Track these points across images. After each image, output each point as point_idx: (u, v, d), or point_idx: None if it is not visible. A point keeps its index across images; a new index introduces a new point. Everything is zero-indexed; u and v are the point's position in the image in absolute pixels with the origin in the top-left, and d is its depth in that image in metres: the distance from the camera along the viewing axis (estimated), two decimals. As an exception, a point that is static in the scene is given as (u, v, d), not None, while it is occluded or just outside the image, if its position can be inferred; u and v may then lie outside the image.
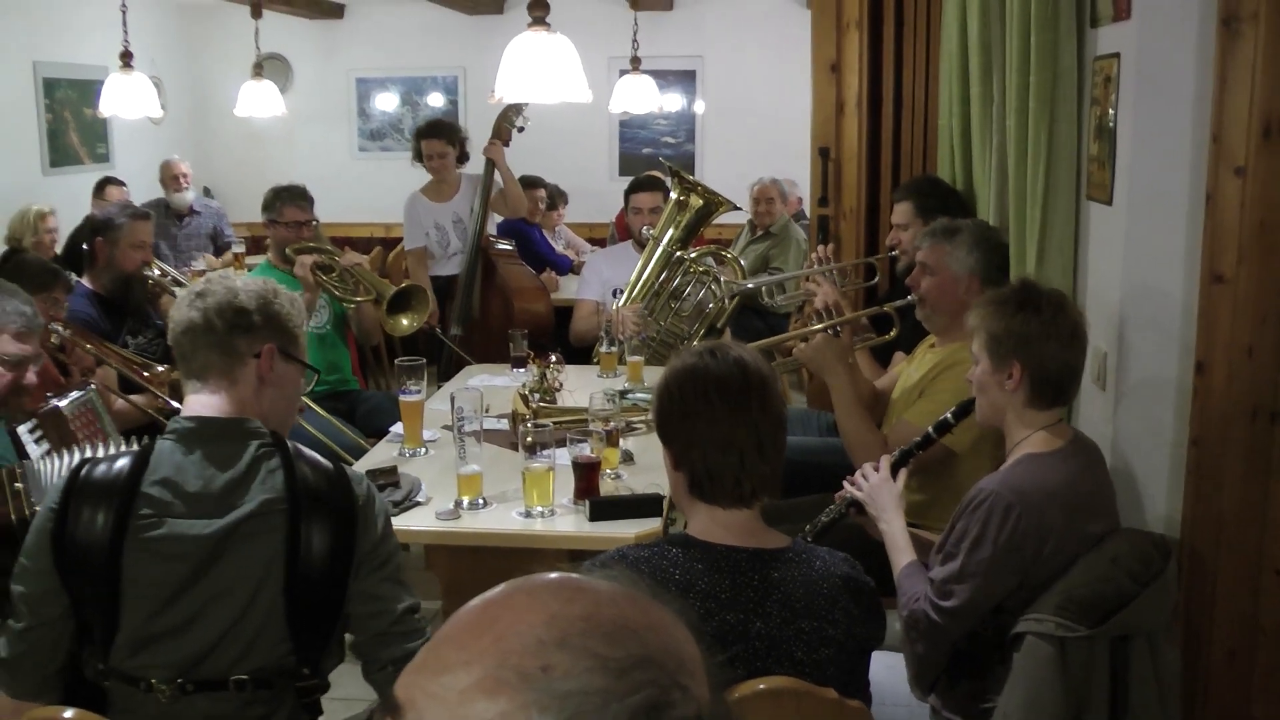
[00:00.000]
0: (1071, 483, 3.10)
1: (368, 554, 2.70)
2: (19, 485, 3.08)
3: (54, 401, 3.93)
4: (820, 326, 4.68)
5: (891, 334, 4.77)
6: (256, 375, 2.73)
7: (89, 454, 3.22)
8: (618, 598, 1.06)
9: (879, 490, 3.49)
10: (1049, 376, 3.15)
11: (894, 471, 3.53)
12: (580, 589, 1.06)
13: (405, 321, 6.01)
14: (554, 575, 1.10)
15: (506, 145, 7.41)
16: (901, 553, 3.38)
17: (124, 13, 7.43)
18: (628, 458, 4.28)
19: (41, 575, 2.60)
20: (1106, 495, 3.22)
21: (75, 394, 4.06)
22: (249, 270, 5.85)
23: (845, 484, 3.60)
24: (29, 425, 3.74)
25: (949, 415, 3.52)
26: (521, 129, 7.44)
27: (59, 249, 8.30)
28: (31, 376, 3.72)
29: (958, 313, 4.13)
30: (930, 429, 3.57)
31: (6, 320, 3.63)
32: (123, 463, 2.65)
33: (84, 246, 5.73)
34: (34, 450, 3.68)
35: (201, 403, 2.72)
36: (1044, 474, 3.08)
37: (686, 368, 2.61)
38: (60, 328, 4.68)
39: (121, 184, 9.50)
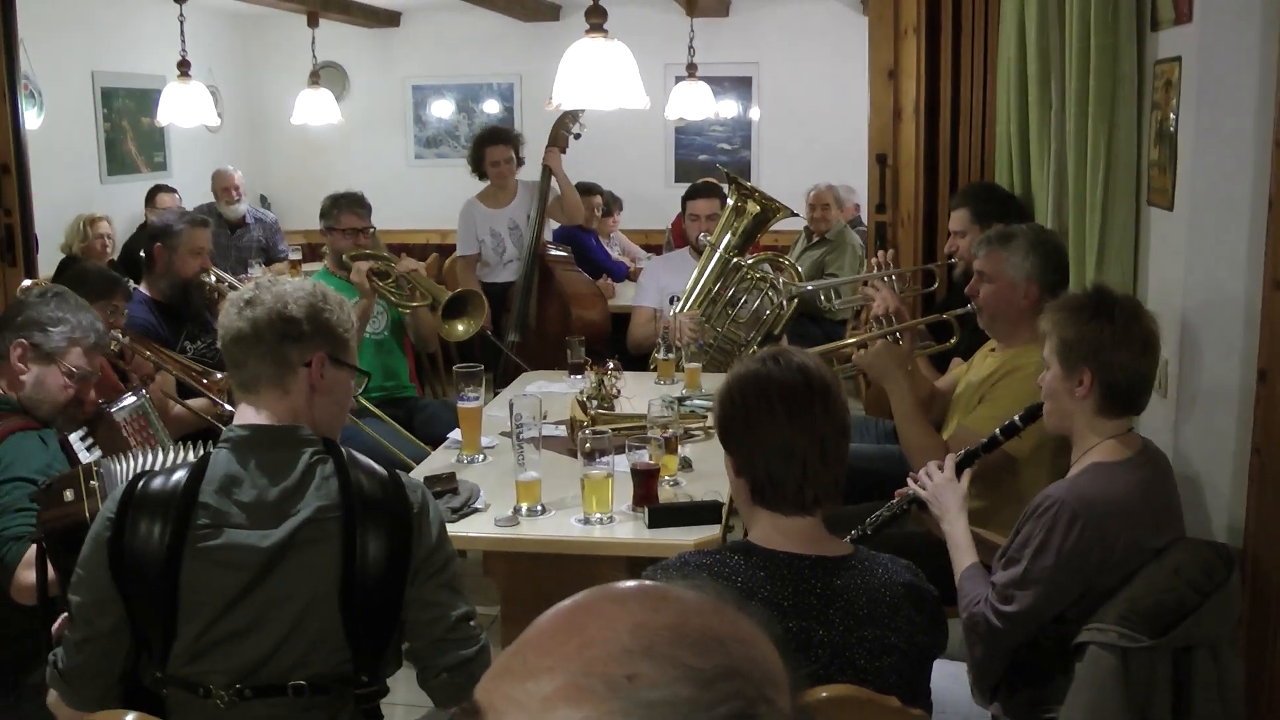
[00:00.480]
0: (1138, 494, 3.07)
1: (423, 561, 2.70)
2: (94, 484, 3.10)
3: (106, 408, 3.95)
4: (880, 333, 4.66)
5: (951, 342, 4.75)
6: (308, 383, 2.72)
7: (148, 459, 3.25)
8: (704, 608, 1.04)
9: (943, 490, 3.48)
10: (1119, 385, 3.12)
11: (958, 472, 3.51)
12: (666, 598, 1.05)
13: (461, 327, 6.02)
14: (639, 583, 1.08)
15: (564, 152, 7.43)
16: (964, 554, 3.37)
17: (181, 23, 7.51)
18: (686, 464, 4.28)
19: (97, 585, 2.61)
20: (1174, 507, 3.18)
21: (128, 400, 4.09)
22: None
23: (909, 481, 3.59)
24: (80, 433, 3.76)
25: (1017, 419, 3.50)
26: (578, 136, 7.46)
27: (115, 255, 8.35)
28: (93, 394, 3.76)
29: (1018, 319, 4.12)
30: (997, 431, 3.55)
31: (84, 334, 3.67)
32: (180, 474, 2.66)
33: (142, 254, 5.76)
34: (86, 457, 3.70)
35: (254, 412, 2.73)
36: (1111, 484, 3.05)
37: (749, 374, 2.61)
38: (120, 334, 4.72)
39: (172, 191, 9.58)
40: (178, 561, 2.57)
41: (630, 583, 1.09)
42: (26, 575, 3.24)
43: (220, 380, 4.73)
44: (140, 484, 2.65)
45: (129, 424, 3.99)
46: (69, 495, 3.07)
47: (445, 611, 2.72)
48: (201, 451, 2.96)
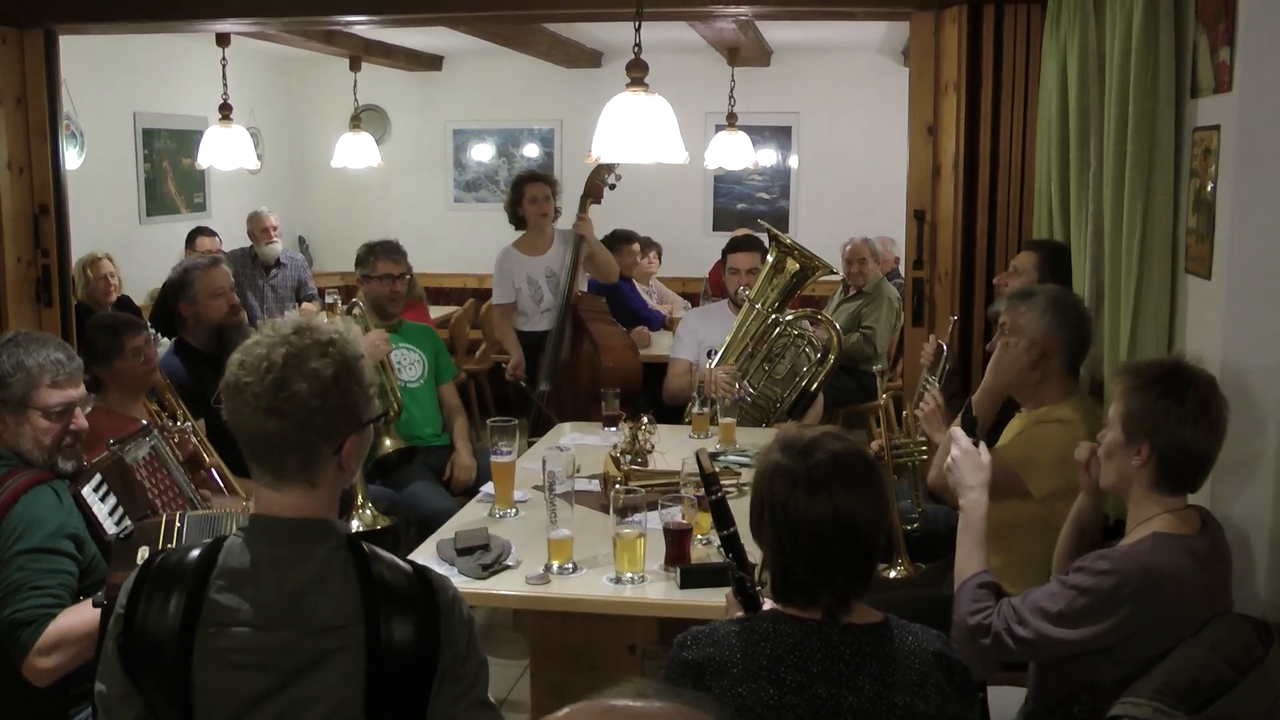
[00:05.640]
0: (1198, 574, 3.02)
1: (451, 667, 2.55)
2: (170, 546, 3.07)
3: (118, 450, 3.86)
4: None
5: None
6: (337, 466, 2.56)
7: (230, 523, 3.22)
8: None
9: (965, 459, 3.49)
10: (1177, 464, 3.07)
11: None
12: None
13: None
14: (609, 702, 1.10)
15: (599, 202, 7.48)
16: (975, 554, 3.40)
17: (224, 66, 7.58)
18: (719, 522, 4.25)
19: (114, 679, 2.50)
20: (1228, 590, 3.15)
21: (139, 441, 4.01)
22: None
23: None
24: (94, 483, 3.68)
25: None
26: (614, 186, 7.49)
27: (124, 291, 8.29)
28: (81, 420, 3.70)
29: (1033, 377, 4.09)
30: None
31: (41, 372, 3.63)
32: (192, 557, 2.53)
33: (168, 312, 5.75)
34: (101, 508, 3.64)
35: (278, 503, 2.55)
36: (1175, 558, 3.01)
37: (771, 465, 2.60)
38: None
39: (213, 234, 9.63)
40: (188, 656, 2.45)
41: (604, 702, 1.10)
42: (40, 661, 3.19)
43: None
44: (151, 566, 2.55)
45: (143, 467, 3.91)
46: (142, 555, 2.98)
47: None
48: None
